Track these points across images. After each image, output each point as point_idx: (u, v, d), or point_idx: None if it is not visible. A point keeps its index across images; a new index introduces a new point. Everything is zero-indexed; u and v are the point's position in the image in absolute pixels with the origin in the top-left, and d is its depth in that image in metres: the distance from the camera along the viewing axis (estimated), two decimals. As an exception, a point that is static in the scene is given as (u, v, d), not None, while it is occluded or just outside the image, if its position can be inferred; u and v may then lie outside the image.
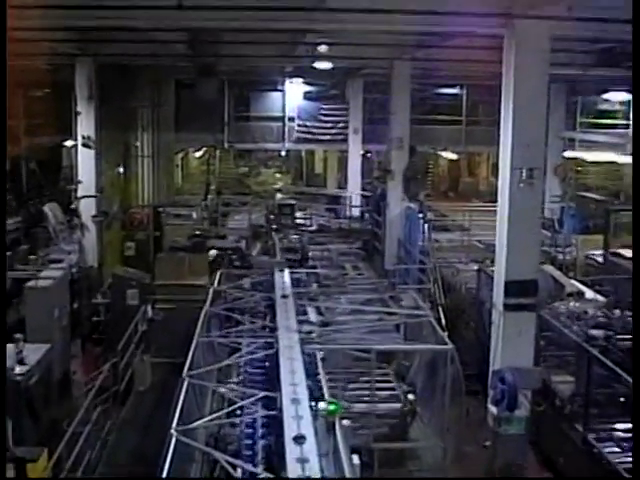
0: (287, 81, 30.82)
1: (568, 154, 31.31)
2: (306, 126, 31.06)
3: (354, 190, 29.51)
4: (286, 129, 31.18)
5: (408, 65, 22.13)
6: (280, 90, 31.31)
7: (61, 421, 11.68)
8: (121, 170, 25.11)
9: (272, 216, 25.11)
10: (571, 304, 13.79)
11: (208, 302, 12.70)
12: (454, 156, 35.97)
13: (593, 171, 37.76)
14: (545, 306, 13.35)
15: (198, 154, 41.94)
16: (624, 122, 31.52)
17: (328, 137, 30.96)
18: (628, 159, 30.91)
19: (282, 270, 14.58)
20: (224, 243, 21.44)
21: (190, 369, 9.45)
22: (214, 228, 25.25)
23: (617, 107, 32.91)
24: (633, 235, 7.55)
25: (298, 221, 26.32)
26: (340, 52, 19.73)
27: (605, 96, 31.66)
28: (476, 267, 17.04)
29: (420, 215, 21.27)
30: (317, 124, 30.95)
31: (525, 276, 11.98)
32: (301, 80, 30.60)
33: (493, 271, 13.05)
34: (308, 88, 31.30)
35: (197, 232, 22.91)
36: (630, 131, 30.42)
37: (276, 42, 17.79)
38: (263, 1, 10.89)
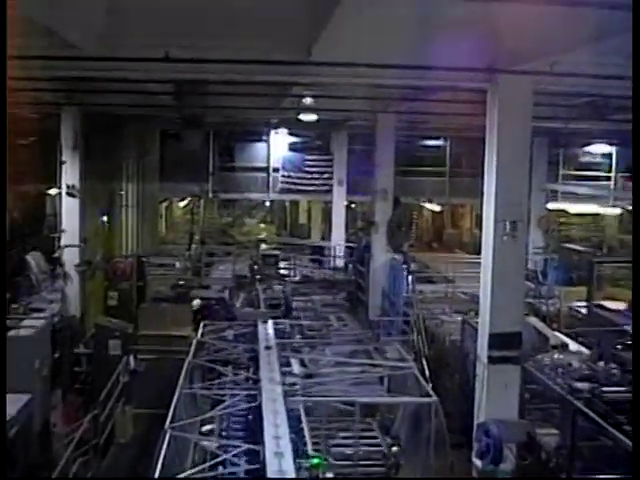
0: (272, 132, 31.09)
1: (551, 206, 31.56)
2: (290, 177, 31.22)
3: (338, 241, 29.52)
4: (270, 179, 31.39)
5: (392, 118, 22.41)
6: (265, 141, 31.61)
7: (41, 473, 11.52)
8: (105, 219, 25.07)
9: (256, 266, 25.10)
10: (555, 356, 13.76)
11: (191, 353, 12.62)
12: (438, 207, 36.16)
13: (576, 223, 38.06)
14: (529, 358, 13.32)
15: (182, 204, 42.01)
16: (606, 174, 31.93)
17: (312, 188, 31.10)
18: (610, 210, 31.28)
19: (266, 321, 14.57)
20: (208, 293, 21.35)
21: (172, 421, 9.35)
22: (197, 278, 25.18)
23: (599, 159, 33.33)
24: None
25: (282, 272, 26.32)
26: (325, 104, 19.86)
27: (587, 148, 32.07)
28: (460, 319, 16.97)
29: (404, 266, 21.44)
30: (301, 175, 31.10)
31: (509, 328, 12.00)
32: (286, 131, 30.84)
33: (477, 323, 13.07)
34: (293, 139, 31.57)
35: (180, 282, 22.82)
36: (612, 183, 30.89)
37: (262, 94, 17.93)
38: (249, 54, 10.97)
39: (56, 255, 21.13)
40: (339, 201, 29.95)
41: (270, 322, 14.58)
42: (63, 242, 21.02)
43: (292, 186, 31.21)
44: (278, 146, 31.56)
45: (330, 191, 30.20)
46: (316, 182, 30.90)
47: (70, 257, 21.03)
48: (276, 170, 31.37)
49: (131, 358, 16.76)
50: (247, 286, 23.09)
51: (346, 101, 18.82)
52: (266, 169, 31.47)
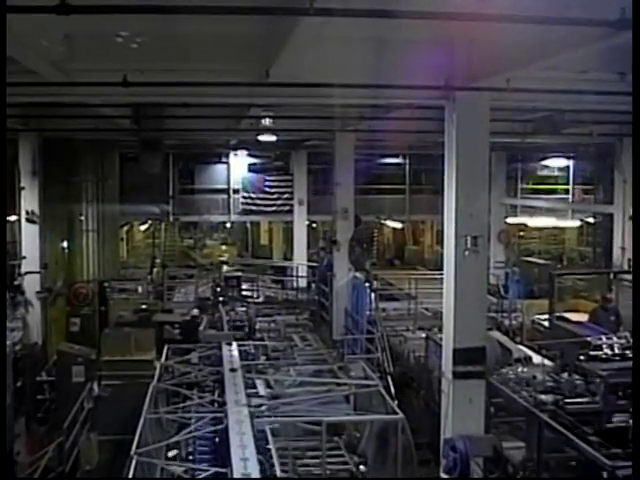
0: (231, 154, 31.23)
1: (511, 220, 31.86)
2: (251, 198, 31.34)
3: (300, 261, 29.55)
4: (231, 201, 31.55)
5: (351, 136, 22.42)
6: (225, 162, 31.75)
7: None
8: (65, 245, 24.87)
9: (218, 289, 24.94)
10: (519, 369, 13.84)
11: (155, 377, 12.59)
12: (398, 225, 36.34)
13: (536, 236, 38.45)
14: (494, 372, 13.38)
15: (143, 227, 41.83)
16: (563, 187, 32.37)
17: (273, 208, 31.19)
18: (568, 223, 31.69)
19: (230, 343, 14.58)
20: (170, 317, 21.23)
21: (138, 447, 9.29)
22: (160, 302, 25.03)
23: (556, 173, 33.77)
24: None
25: (245, 293, 26.22)
26: (284, 125, 20.03)
27: (544, 162, 32.45)
28: (424, 335, 17.06)
29: (367, 284, 21.50)
30: (262, 196, 31.22)
31: (473, 343, 12.04)
32: (245, 152, 30.96)
33: (441, 339, 13.06)
34: (252, 160, 31.68)
35: (143, 306, 22.67)
36: (570, 196, 31.36)
37: (220, 116, 17.96)
38: (207, 77, 11.02)
39: (17, 282, 20.96)
40: (300, 221, 30.07)
41: (234, 344, 14.60)
42: (23, 269, 20.87)
43: (253, 207, 31.35)
44: (238, 167, 31.70)
45: (291, 211, 30.34)
46: (277, 202, 30.99)
47: (31, 284, 20.90)
48: (236, 191, 31.51)
49: (95, 384, 16.59)
50: (210, 309, 23.02)
51: (304, 121, 18.97)
52: (226, 191, 31.65)
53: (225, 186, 31.70)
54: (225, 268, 30.34)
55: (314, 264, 28.63)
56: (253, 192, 31.37)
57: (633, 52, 6.40)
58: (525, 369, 13.89)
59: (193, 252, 40.97)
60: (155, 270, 30.04)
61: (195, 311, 20.93)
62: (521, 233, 36.85)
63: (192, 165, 31.85)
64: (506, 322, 21.26)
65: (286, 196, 30.81)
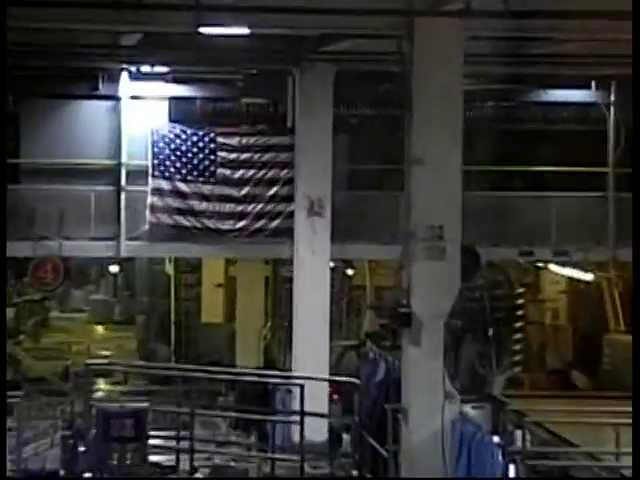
0: (124, 74, 31.27)
1: None
2: (180, 194, 30.75)
3: (310, 369, 29.31)
4: (123, 202, 31.11)
5: (456, 29, 21.76)
6: (105, 97, 31.56)
7: None
8: None
9: (82, 448, 24.20)
10: None
11: None
12: (586, 276, 35.51)
13: None
14: None
15: None
16: None
17: (239, 224, 30.87)
18: None
19: None
20: None
21: None
22: None
23: None
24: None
25: (155, 459, 26.11)
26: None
27: None
28: None
29: (495, 440, 21.34)
30: (209, 188, 30.81)
31: None
32: (165, 70, 30.97)
33: None
34: (183, 91, 31.58)
35: None
36: None
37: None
38: None
39: None
40: (315, 259, 30.27)
41: None
42: None
43: (182, 219, 30.76)
44: (142, 110, 31.62)
45: (288, 233, 30.02)
46: (247, 208, 30.65)
47: None
48: (137, 175, 31.75)
49: None
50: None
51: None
52: (112, 173, 31.53)
53: (108, 161, 31.80)
54: (103, 387, 30.50)
55: (348, 380, 28.29)
56: (184, 178, 30.97)
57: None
58: None
59: (13, 344, 40.66)
60: None
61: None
62: None
63: (16, 102, 31.85)
64: None
65: (274, 191, 30.42)
